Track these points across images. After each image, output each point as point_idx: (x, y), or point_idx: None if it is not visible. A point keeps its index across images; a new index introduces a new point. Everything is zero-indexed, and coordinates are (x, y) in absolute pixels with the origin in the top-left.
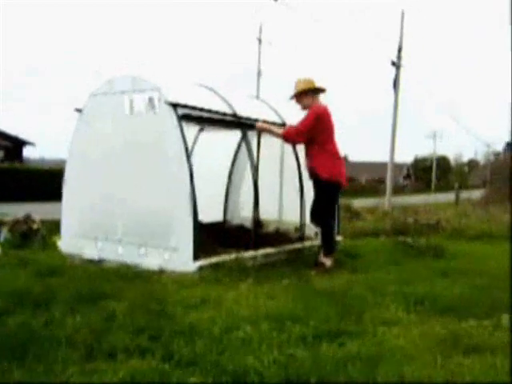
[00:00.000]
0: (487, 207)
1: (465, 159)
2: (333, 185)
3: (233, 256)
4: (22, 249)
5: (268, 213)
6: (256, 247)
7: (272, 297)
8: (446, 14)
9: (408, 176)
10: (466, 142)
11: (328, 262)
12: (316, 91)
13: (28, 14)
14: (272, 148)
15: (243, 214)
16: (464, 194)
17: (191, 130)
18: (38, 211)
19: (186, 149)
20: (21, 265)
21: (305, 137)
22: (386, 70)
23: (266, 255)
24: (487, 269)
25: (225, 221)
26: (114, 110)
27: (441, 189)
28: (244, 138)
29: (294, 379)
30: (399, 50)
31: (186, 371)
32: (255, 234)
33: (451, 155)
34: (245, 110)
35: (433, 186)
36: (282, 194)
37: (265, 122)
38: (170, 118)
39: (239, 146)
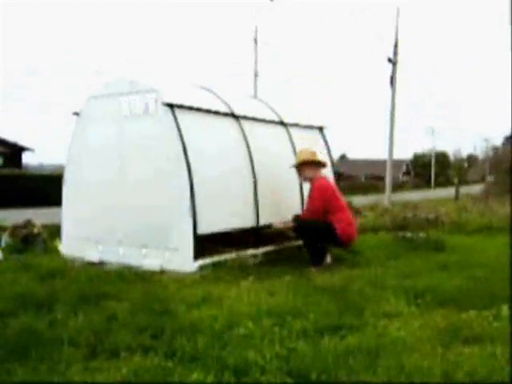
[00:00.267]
0: (487, 201)
1: (464, 154)
2: (337, 239)
3: (233, 254)
4: (24, 253)
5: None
6: (256, 245)
7: (273, 293)
8: (444, 10)
9: (407, 172)
10: (465, 137)
11: (327, 258)
12: (318, 164)
13: (28, 14)
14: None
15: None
16: (464, 189)
17: None
18: (38, 216)
19: (185, 149)
20: (22, 268)
21: (318, 214)
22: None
23: (267, 253)
24: (487, 261)
25: None
26: (111, 113)
27: (440, 185)
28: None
29: (295, 372)
30: (395, 46)
31: (188, 367)
32: (256, 232)
33: (450, 151)
34: (242, 110)
35: (432, 182)
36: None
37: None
38: (168, 118)
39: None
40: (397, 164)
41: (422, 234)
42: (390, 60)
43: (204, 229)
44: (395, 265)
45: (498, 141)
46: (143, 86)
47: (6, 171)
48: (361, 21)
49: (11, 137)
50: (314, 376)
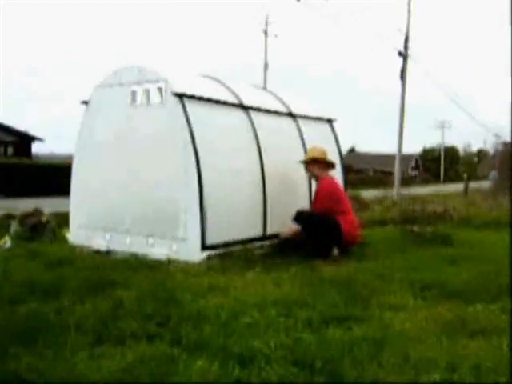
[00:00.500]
0: (496, 196)
1: (474, 149)
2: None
3: (240, 245)
4: (32, 241)
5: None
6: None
7: (279, 284)
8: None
9: (416, 167)
10: (476, 131)
11: (335, 250)
12: (327, 164)
13: (28, 14)
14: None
15: None
16: (473, 185)
17: None
18: (48, 205)
19: (193, 138)
20: (31, 256)
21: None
22: (394, 59)
23: (273, 245)
24: (494, 255)
25: None
26: (120, 101)
27: (450, 179)
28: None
29: (300, 362)
30: (406, 41)
31: (193, 355)
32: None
33: (460, 145)
34: (251, 100)
35: (441, 177)
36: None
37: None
38: (177, 108)
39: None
40: (406, 158)
41: (429, 228)
42: (400, 53)
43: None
44: (402, 258)
45: (509, 136)
46: (152, 75)
47: (16, 160)
48: (373, 13)
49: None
50: (318, 365)
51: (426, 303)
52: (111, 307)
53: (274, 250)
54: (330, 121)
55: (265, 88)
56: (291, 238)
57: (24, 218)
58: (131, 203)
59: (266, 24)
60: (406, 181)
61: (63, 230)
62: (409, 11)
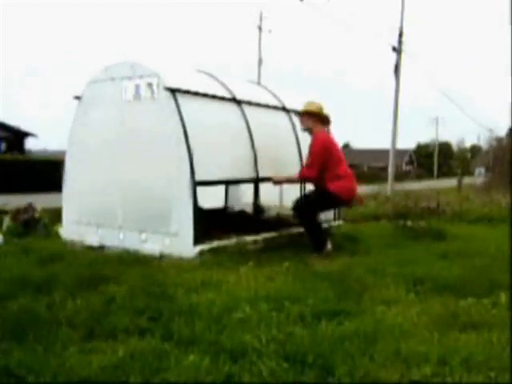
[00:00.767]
0: (489, 191)
1: (467, 145)
2: (338, 199)
3: (233, 240)
4: (24, 237)
5: (269, 198)
6: (257, 232)
7: (272, 279)
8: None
9: (410, 162)
10: (469, 127)
11: (328, 245)
12: (323, 119)
13: (28, 14)
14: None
15: (244, 200)
16: (467, 180)
17: None
18: (41, 201)
19: (186, 134)
20: (23, 252)
21: (317, 169)
22: (388, 56)
23: (267, 239)
24: (487, 250)
25: (226, 207)
26: (112, 97)
27: (443, 175)
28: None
29: (291, 356)
30: (400, 35)
31: (184, 350)
32: (256, 218)
33: (454, 141)
34: (244, 95)
35: (435, 172)
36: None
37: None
38: (169, 103)
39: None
40: (400, 154)
41: (422, 223)
42: (394, 49)
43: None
44: (395, 253)
45: (503, 131)
46: (144, 70)
47: (9, 156)
48: (367, 9)
49: (15, 122)
50: (310, 360)
51: (418, 297)
52: (103, 302)
53: (268, 245)
54: None
55: (259, 83)
56: (284, 182)
57: (16, 213)
58: (124, 198)
59: (261, 19)
60: (400, 176)
61: (56, 225)
62: (402, 5)
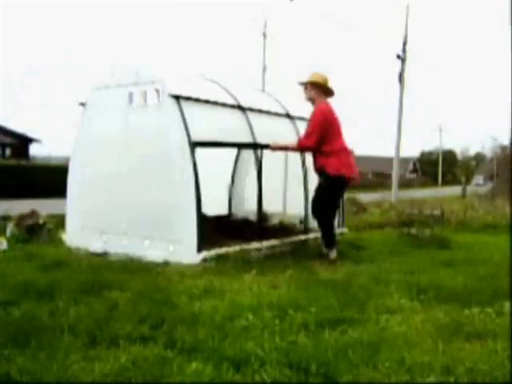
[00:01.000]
0: (494, 200)
1: (472, 153)
2: (341, 179)
3: (237, 248)
4: (28, 243)
5: (272, 205)
6: (260, 239)
7: (275, 287)
8: (455, 7)
9: (414, 170)
10: (473, 135)
11: (332, 253)
12: (327, 91)
13: (28, 14)
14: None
15: (248, 207)
16: (471, 188)
17: None
18: (45, 207)
19: (190, 140)
20: (26, 258)
21: (316, 138)
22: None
23: (271, 247)
24: (491, 258)
25: (230, 214)
26: (117, 104)
27: (448, 183)
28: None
29: (295, 365)
30: (404, 43)
31: (187, 358)
32: (259, 226)
33: (458, 149)
34: (248, 102)
35: (439, 180)
36: (286, 187)
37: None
38: (173, 109)
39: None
40: (404, 161)
41: (427, 231)
42: (398, 57)
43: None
44: (399, 261)
45: (507, 140)
46: (149, 77)
47: (14, 162)
48: (371, 16)
49: (20, 128)
50: (313, 368)
51: (422, 306)
52: (106, 309)
53: (271, 253)
54: None
55: (263, 90)
56: (282, 150)
57: (20, 219)
58: (128, 205)
59: (265, 26)
60: (404, 184)
61: (59, 231)
62: (407, 14)
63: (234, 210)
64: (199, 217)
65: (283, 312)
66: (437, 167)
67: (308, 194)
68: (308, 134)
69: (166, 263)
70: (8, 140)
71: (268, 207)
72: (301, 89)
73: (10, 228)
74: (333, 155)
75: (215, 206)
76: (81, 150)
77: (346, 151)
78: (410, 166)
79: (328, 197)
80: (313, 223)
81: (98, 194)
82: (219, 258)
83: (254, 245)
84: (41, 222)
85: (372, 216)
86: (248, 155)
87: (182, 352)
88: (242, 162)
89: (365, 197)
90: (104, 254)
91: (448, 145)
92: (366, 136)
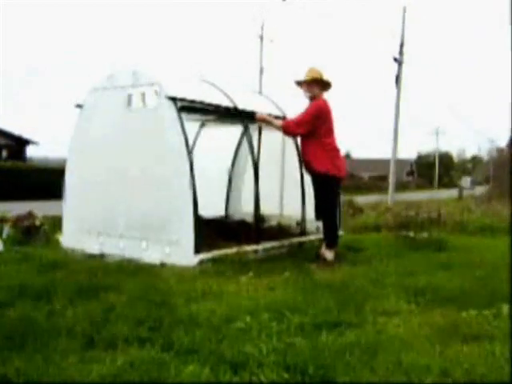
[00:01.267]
0: (490, 202)
1: (468, 155)
2: (329, 178)
3: (234, 250)
4: (25, 245)
5: (269, 207)
6: (257, 241)
7: (272, 289)
8: (451, 10)
9: (411, 172)
10: (470, 138)
11: (329, 255)
12: (324, 85)
13: (28, 14)
14: (273, 143)
15: (245, 209)
16: (467, 191)
17: (193, 125)
18: (42, 209)
19: (187, 142)
20: (23, 260)
21: (304, 129)
22: (389, 67)
23: (268, 249)
24: (488, 261)
25: (226, 216)
26: (114, 105)
27: (444, 185)
28: (245, 131)
29: (292, 367)
30: (401, 46)
31: (184, 360)
32: (256, 228)
33: (454, 151)
34: (245, 104)
35: (436, 183)
36: (283, 189)
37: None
38: (170, 111)
39: (240, 141)
40: (401, 164)
41: (423, 234)
42: (395, 59)
43: None
44: (396, 263)
45: (503, 142)
46: (146, 79)
47: (10, 164)
48: (368, 19)
49: (16, 130)
50: (310, 371)
51: (419, 308)
52: (103, 311)
53: (269, 255)
54: None
55: (260, 92)
56: (265, 122)
57: (17, 221)
58: (125, 207)
59: (262, 29)
60: (401, 186)
61: (56, 233)
62: (403, 17)
63: (230, 212)
64: (196, 219)
65: (280, 314)
66: (433, 170)
67: (305, 195)
68: (298, 122)
69: (162, 265)
70: (4, 142)
71: (265, 209)
72: (298, 89)
73: (7, 230)
74: (321, 152)
75: (212, 208)
76: (77, 151)
77: (335, 152)
78: (407, 169)
79: (323, 196)
80: (309, 225)
81: (95, 196)
82: (216, 259)
83: (251, 247)
84: (37, 223)
85: (369, 218)
86: (245, 156)
87: (179, 354)
88: (239, 163)
89: (361, 199)
90: (101, 256)
91: (445, 147)
92: (362, 138)
